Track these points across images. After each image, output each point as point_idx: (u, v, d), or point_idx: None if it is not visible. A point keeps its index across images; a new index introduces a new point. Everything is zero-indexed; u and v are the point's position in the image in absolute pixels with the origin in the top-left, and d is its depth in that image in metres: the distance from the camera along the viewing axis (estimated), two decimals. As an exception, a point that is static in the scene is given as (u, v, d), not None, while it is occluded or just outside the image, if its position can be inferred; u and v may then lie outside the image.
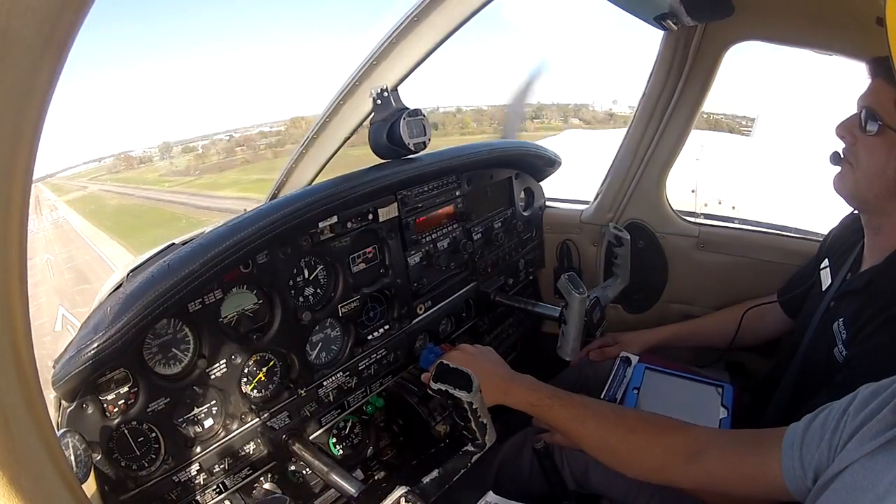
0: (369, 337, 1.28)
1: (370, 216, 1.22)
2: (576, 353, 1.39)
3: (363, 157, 1.29)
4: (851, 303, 1.04)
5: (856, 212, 1.15)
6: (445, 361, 0.91)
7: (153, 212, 44.02)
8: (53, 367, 0.82)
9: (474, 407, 0.89)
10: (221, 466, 1.02)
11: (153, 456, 0.94)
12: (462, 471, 0.94)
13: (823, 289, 1.21)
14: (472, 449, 0.95)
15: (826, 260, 1.26)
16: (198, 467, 0.99)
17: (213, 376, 0.99)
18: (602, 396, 1.37)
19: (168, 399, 0.94)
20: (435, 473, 0.92)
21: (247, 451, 1.06)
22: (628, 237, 1.63)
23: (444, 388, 0.87)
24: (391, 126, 1.21)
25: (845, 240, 1.23)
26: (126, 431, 0.91)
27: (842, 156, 1.06)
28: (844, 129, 1.04)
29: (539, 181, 1.84)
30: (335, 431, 1.26)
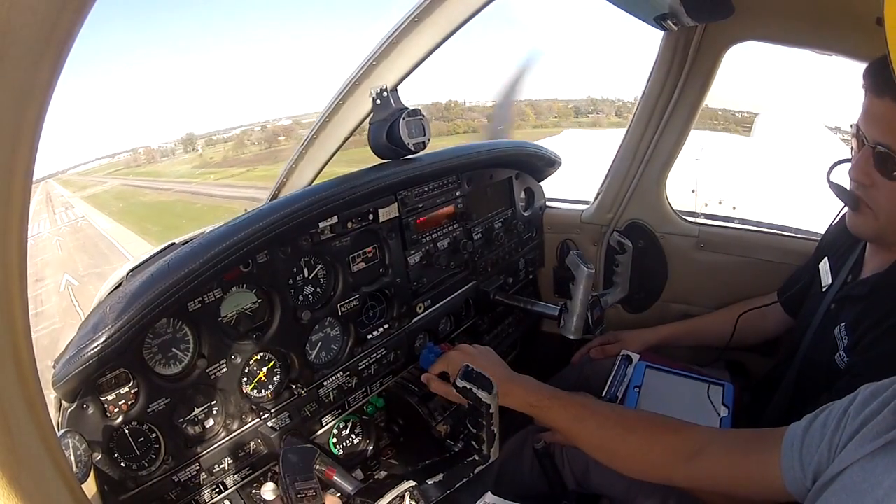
0: (369, 336, 1.28)
1: (370, 216, 1.22)
2: (579, 332, 1.38)
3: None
4: (853, 308, 1.03)
5: None
6: (470, 366, 0.94)
7: (217, 210, 31.33)
8: (53, 367, 0.82)
9: (491, 411, 0.90)
10: (221, 466, 1.02)
11: (153, 456, 0.94)
12: (464, 479, 0.95)
13: (823, 288, 1.20)
14: (477, 460, 0.96)
15: (826, 258, 1.25)
16: (198, 467, 0.99)
17: (213, 376, 0.99)
18: (603, 395, 1.37)
19: (168, 399, 0.94)
20: (439, 477, 0.93)
21: (247, 450, 1.06)
22: (630, 245, 1.62)
23: (468, 387, 0.89)
24: (391, 126, 1.21)
25: (845, 239, 1.21)
26: (126, 431, 0.91)
27: (857, 197, 0.97)
28: (861, 173, 0.92)
29: (539, 181, 1.84)
30: (335, 431, 1.26)
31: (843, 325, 1.01)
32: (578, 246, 1.86)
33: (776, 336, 1.49)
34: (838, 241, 1.25)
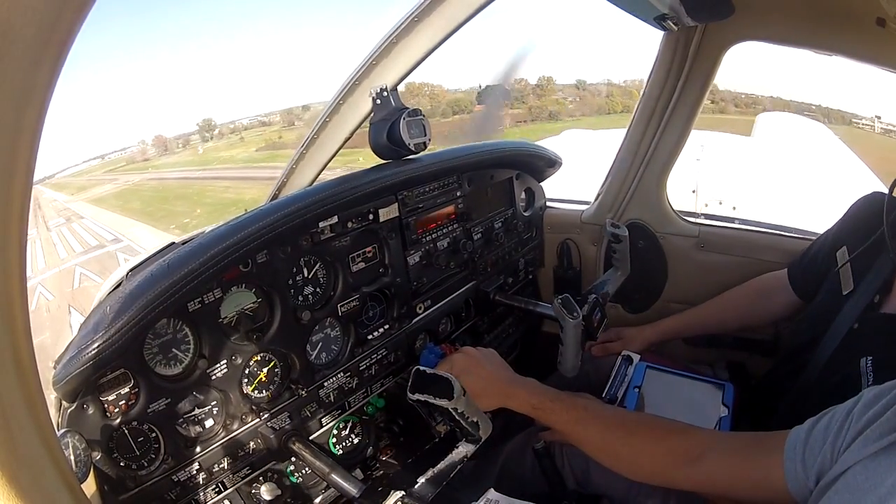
0: (369, 337, 1.28)
1: (370, 216, 1.22)
2: (576, 370, 1.39)
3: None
4: (882, 344, 1.00)
5: (879, 195, 1.08)
6: (423, 368, 0.88)
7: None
8: (54, 367, 0.82)
9: (460, 411, 0.87)
10: (221, 466, 1.02)
11: (153, 456, 0.94)
12: (459, 467, 0.93)
13: (844, 292, 1.15)
14: (468, 445, 0.95)
15: (844, 248, 1.19)
16: (197, 467, 0.99)
17: (213, 377, 0.99)
18: (603, 395, 1.37)
19: (168, 399, 0.94)
20: (430, 473, 0.91)
21: (247, 450, 1.06)
22: (626, 233, 1.63)
23: (423, 399, 0.85)
24: (391, 126, 1.21)
25: (867, 230, 1.14)
26: (126, 431, 0.91)
27: None
28: None
29: (540, 182, 1.84)
30: (335, 431, 1.26)
31: (870, 359, 0.98)
32: (578, 246, 1.86)
33: (785, 316, 1.44)
34: (859, 232, 1.18)
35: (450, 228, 1.46)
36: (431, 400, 0.84)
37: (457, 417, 0.88)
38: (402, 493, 0.84)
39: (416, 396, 0.85)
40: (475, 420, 0.91)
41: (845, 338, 1.09)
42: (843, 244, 1.21)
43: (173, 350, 0.95)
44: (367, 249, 1.25)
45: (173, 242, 1.16)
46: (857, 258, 1.16)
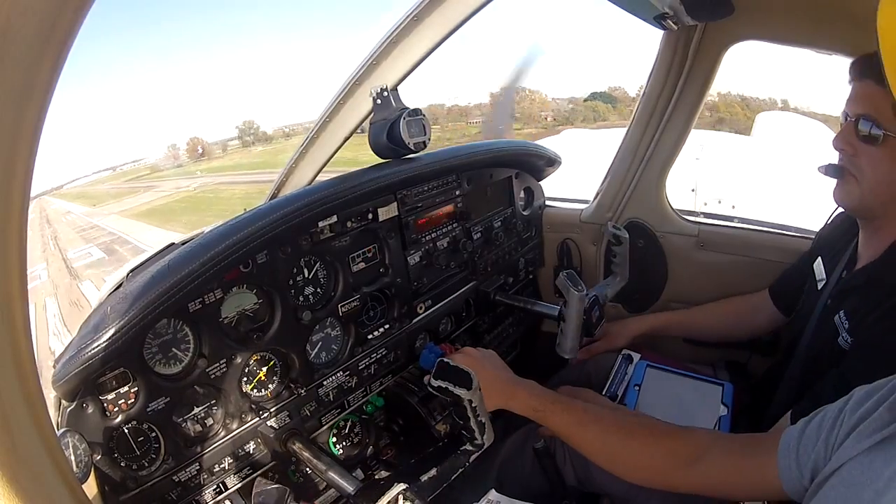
0: (369, 336, 1.28)
1: (370, 216, 1.22)
2: (575, 352, 1.39)
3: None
4: (851, 298, 1.04)
5: (844, 213, 1.15)
6: (447, 360, 0.91)
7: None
8: (54, 366, 0.82)
9: (474, 405, 0.89)
10: (221, 466, 1.03)
11: (153, 456, 0.94)
12: (460, 470, 0.94)
13: (819, 286, 1.21)
14: (471, 448, 0.95)
15: (819, 258, 1.26)
16: (198, 467, 0.99)
17: (213, 376, 0.99)
18: (603, 392, 1.38)
19: (168, 399, 0.94)
20: (433, 472, 0.92)
21: (247, 450, 1.06)
22: (626, 236, 1.63)
23: (443, 385, 0.87)
24: (391, 126, 1.21)
25: (838, 238, 1.23)
26: (126, 431, 0.91)
27: (842, 166, 1.03)
28: (843, 141, 1.01)
29: (539, 181, 1.84)
30: (335, 431, 1.26)
31: (841, 312, 1.03)
32: (578, 245, 1.86)
33: (768, 332, 1.48)
34: (832, 241, 1.26)
35: (449, 228, 1.46)
36: (451, 388, 0.86)
37: (468, 413, 0.89)
38: (405, 485, 0.85)
39: (437, 383, 0.87)
40: (483, 421, 0.92)
41: (821, 314, 1.13)
42: (818, 256, 1.27)
43: (173, 349, 0.95)
44: (367, 249, 1.25)
45: (173, 243, 1.16)
46: (829, 259, 1.23)
